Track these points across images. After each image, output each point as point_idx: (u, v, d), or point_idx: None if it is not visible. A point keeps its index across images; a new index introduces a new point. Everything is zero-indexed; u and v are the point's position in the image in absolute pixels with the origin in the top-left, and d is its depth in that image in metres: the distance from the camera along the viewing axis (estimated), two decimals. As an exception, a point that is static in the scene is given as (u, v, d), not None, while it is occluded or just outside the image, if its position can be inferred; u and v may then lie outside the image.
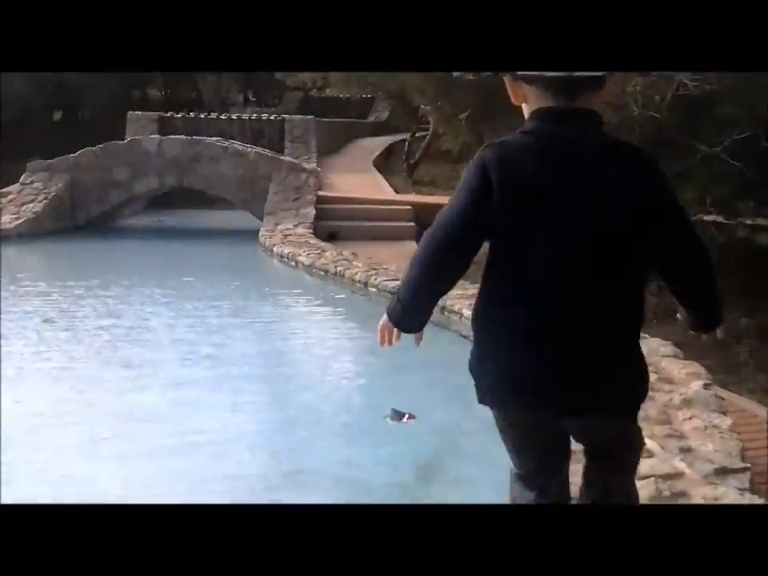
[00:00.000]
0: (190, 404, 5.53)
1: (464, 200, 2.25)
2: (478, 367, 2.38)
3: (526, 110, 2.36)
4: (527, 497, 2.44)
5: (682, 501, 3.20)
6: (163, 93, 32.44)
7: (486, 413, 4.77)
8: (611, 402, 2.29)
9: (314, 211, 14.24)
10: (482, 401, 2.39)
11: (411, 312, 2.39)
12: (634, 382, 2.34)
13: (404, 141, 21.39)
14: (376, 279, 9.09)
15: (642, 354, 2.35)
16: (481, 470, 4.30)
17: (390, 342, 2.43)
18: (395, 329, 2.41)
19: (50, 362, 6.45)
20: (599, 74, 2.35)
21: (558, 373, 2.24)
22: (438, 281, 2.34)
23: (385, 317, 2.41)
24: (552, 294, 2.21)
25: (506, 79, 2.40)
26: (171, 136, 16.42)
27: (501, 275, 2.29)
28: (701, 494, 3.24)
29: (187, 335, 7.50)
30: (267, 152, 16.63)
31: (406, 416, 4.93)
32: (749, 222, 9.78)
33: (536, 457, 2.45)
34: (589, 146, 2.27)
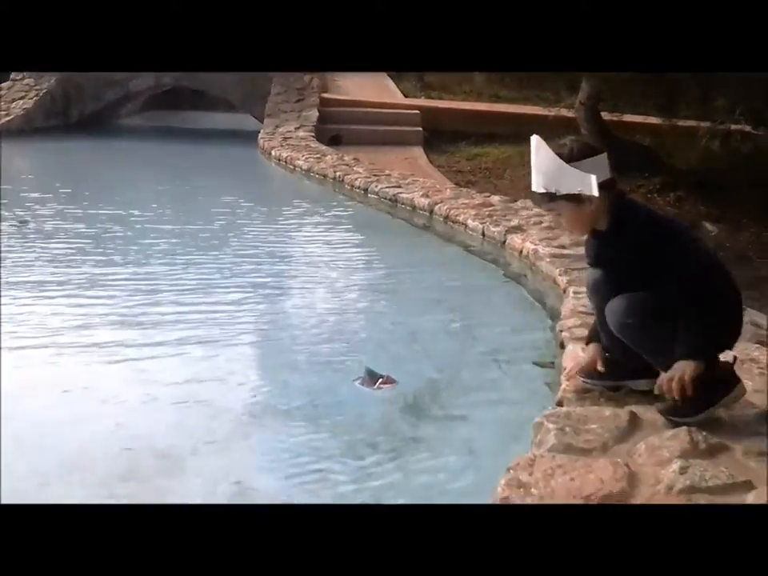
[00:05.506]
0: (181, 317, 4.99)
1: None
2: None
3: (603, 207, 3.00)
4: None
5: (722, 454, 2.68)
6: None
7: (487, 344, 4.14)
8: None
9: (317, 114, 13.58)
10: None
11: None
12: None
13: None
14: (377, 186, 8.53)
15: None
16: (481, 403, 3.83)
17: None
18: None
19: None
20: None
21: None
22: None
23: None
24: None
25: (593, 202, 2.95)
26: (169, 31, 15.60)
27: None
28: (743, 448, 2.72)
29: (171, 245, 6.92)
30: (270, 50, 15.82)
31: (381, 380, 3.99)
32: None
33: None
34: None
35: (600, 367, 3.23)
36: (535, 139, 3.02)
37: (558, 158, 2.93)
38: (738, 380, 3.00)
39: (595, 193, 2.87)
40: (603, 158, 2.99)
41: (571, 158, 2.93)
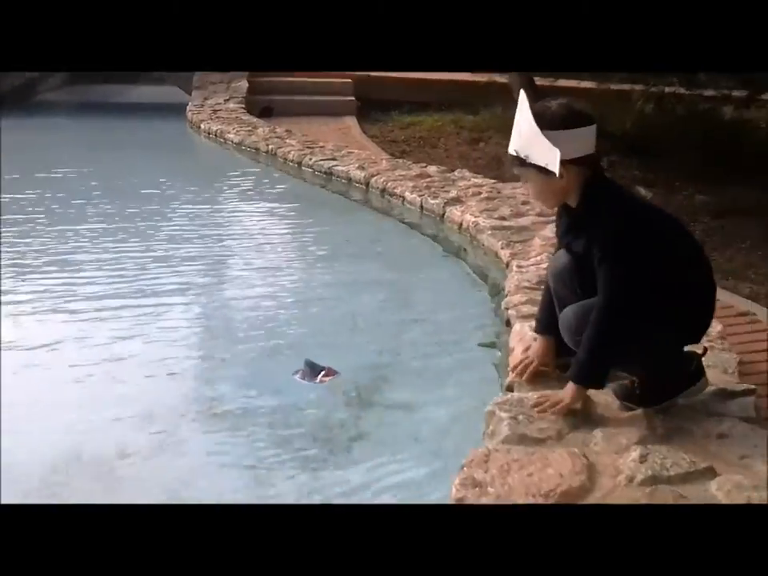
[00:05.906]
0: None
1: None
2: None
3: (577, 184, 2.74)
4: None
5: (681, 438, 2.60)
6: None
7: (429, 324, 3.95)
8: None
9: (247, 84, 13.24)
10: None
11: None
12: None
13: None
14: (311, 159, 8.32)
15: None
16: (428, 390, 3.70)
17: None
18: None
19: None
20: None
21: None
22: None
23: None
24: None
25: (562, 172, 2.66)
26: (89, 2, 15.06)
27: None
28: (702, 431, 2.63)
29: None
30: (195, 20, 15.39)
31: (322, 373, 3.80)
32: (711, 93, 9.12)
33: None
34: None
35: (551, 366, 3.06)
36: (522, 95, 2.75)
37: (533, 121, 2.64)
38: (702, 373, 2.87)
39: (556, 171, 2.63)
40: (588, 130, 2.71)
41: (550, 124, 2.65)
